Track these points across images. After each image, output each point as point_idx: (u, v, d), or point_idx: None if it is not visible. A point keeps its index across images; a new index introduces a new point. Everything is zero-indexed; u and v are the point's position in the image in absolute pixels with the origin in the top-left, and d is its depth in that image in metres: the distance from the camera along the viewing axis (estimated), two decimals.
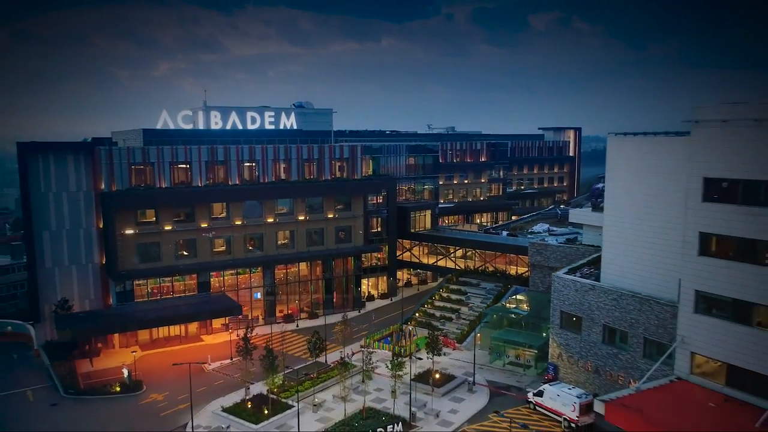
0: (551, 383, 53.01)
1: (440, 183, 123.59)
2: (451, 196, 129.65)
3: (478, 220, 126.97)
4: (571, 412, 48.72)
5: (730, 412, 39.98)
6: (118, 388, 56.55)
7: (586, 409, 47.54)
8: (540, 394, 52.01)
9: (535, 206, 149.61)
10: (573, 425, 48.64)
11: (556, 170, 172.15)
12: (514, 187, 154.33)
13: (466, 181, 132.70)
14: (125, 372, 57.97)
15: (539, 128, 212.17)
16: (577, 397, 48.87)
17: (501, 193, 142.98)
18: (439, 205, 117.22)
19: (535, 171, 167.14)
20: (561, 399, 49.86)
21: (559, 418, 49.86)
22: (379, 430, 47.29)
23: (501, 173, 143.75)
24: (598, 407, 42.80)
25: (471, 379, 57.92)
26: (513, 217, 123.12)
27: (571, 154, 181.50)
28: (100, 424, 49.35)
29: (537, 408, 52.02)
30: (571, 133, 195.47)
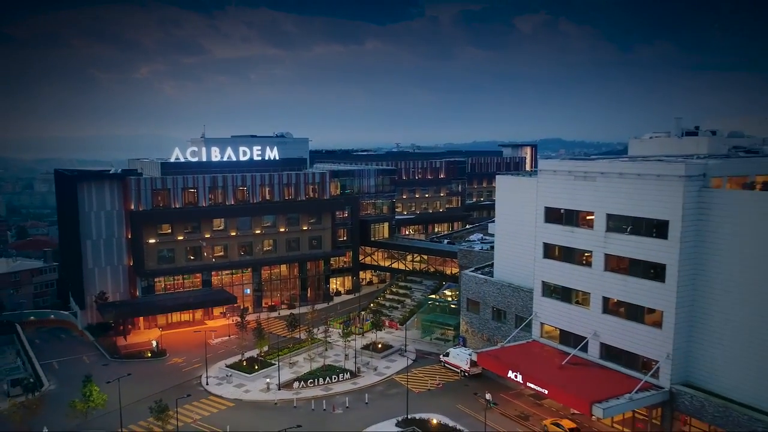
0: (455, 347, 75.51)
1: (403, 197, 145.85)
2: (413, 208, 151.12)
3: (438, 229, 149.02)
4: (465, 365, 71.20)
5: (554, 357, 62.61)
6: (149, 354, 78.55)
7: (475, 363, 69.75)
8: (447, 355, 74.54)
9: (491, 216, 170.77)
10: (466, 374, 71.08)
11: None
12: (474, 199, 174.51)
13: (426, 195, 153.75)
14: (154, 343, 79.94)
15: (499, 145, 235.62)
16: (469, 355, 71.16)
17: (460, 205, 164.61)
18: (402, 217, 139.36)
19: (494, 184, 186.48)
20: (459, 357, 72.36)
21: (458, 370, 72.32)
22: (333, 376, 69.63)
23: (459, 187, 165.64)
24: (474, 357, 65.56)
25: (404, 347, 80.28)
26: (467, 226, 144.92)
27: (527, 168, 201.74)
28: (140, 376, 70.71)
29: (446, 365, 74.47)
30: (528, 150, 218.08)
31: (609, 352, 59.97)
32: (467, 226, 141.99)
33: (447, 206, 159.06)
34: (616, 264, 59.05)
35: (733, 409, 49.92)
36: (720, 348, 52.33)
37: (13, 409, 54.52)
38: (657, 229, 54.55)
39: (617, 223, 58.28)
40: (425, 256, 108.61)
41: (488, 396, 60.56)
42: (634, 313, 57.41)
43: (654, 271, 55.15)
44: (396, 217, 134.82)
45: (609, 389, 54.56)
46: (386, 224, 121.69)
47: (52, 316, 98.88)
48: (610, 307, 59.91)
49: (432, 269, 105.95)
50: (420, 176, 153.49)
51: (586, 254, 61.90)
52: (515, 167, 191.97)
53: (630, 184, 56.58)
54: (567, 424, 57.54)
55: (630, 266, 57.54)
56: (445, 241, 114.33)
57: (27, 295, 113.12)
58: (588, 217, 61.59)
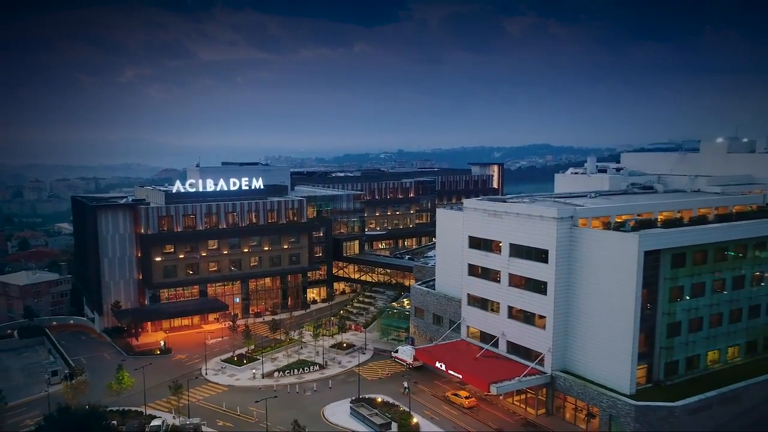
0: (404, 345, 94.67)
1: (376, 214, 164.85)
2: (386, 224, 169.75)
3: (407, 243, 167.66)
4: (410, 359, 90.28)
5: (473, 351, 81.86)
6: (158, 352, 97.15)
7: (416, 358, 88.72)
8: (397, 351, 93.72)
9: None
10: (410, 366, 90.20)
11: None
12: None
13: (398, 212, 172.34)
14: (161, 343, 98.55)
15: (468, 163, 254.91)
16: (413, 350, 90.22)
17: (429, 220, 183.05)
18: (374, 232, 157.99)
19: (462, 200, 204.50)
20: (406, 352, 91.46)
21: (404, 363, 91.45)
22: (305, 368, 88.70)
23: (428, 204, 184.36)
24: (415, 352, 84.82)
25: (364, 346, 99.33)
26: (433, 240, 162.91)
27: (494, 186, 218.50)
28: (153, 368, 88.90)
29: (395, 359, 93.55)
30: (495, 168, 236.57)
31: (512, 347, 79.43)
32: (433, 240, 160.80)
33: (417, 221, 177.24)
34: (516, 281, 78.45)
35: (589, 387, 69.60)
36: (583, 343, 71.98)
37: (66, 390, 72.98)
38: (541, 255, 74.08)
39: (517, 250, 77.80)
40: (388, 270, 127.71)
41: (405, 384, 79.54)
42: (528, 318, 76.99)
43: (540, 287, 74.69)
44: (369, 233, 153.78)
45: (506, 374, 73.94)
46: (356, 242, 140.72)
47: (72, 321, 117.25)
48: (513, 313, 79.35)
49: (393, 281, 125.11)
50: (391, 195, 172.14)
51: (497, 273, 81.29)
52: (482, 185, 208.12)
53: (523, 221, 76.16)
54: (463, 393, 77.40)
55: (525, 283, 77.04)
56: (407, 256, 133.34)
57: (46, 304, 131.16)
58: (498, 245, 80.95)
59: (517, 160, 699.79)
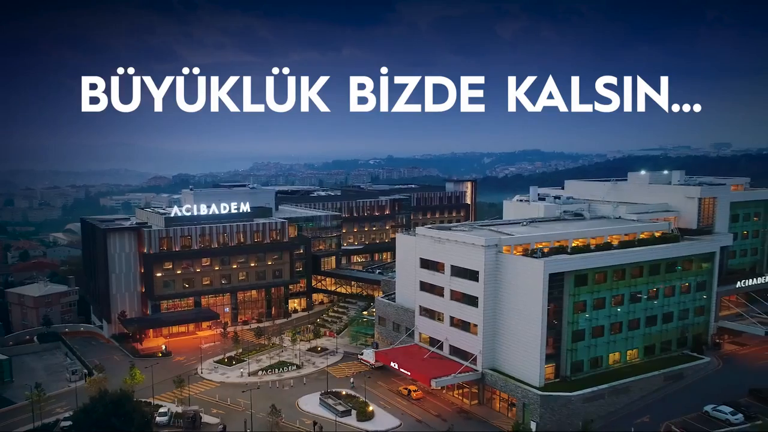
0: (368, 349, 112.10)
1: (354, 230, 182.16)
2: (363, 239, 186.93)
3: (384, 256, 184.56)
4: (372, 360, 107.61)
5: (423, 353, 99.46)
6: (160, 354, 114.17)
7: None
8: (362, 354, 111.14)
9: None
10: (373, 366, 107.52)
11: (454, 214, 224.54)
12: None
13: (374, 228, 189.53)
14: (163, 347, 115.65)
15: (445, 180, 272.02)
16: (375, 352, 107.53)
17: None
18: (352, 247, 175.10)
19: (437, 215, 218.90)
20: (369, 355, 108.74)
21: (368, 364, 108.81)
22: (285, 367, 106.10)
23: (403, 220, 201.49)
24: (374, 354, 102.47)
25: (336, 350, 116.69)
26: None
27: (467, 201, 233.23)
28: (157, 368, 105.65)
29: (361, 361, 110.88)
30: (469, 185, 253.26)
31: (453, 349, 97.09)
32: None
33: (392, 236, 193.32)
34: (456, 296, 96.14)
35: (510, 382, 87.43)
36: (506, 346, 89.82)
37: (89, 384, 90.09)
38: (474, 275, 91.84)
39: (456, 271, 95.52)
40: (360, 283, 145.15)
41: (351, 380, 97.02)
42: (465, 325, 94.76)
43: (473, 301, 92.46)
44: (346, 247, 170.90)
45: (446, 371, 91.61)
46: (333, 257, 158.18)
47: (82, 328, 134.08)
48: (454, 322, 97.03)
49: (365, 293, 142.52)
50: (369, 212, 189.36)
51: (441, 289, 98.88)
52: (456, 200, 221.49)
53: (460, 247, 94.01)
54: (412, 387, 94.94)
55: (462, 297, 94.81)
56: (377, 271, 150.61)
57: (56, 313, 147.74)
58: (442, 266, 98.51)
59: (506, 167, 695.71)
